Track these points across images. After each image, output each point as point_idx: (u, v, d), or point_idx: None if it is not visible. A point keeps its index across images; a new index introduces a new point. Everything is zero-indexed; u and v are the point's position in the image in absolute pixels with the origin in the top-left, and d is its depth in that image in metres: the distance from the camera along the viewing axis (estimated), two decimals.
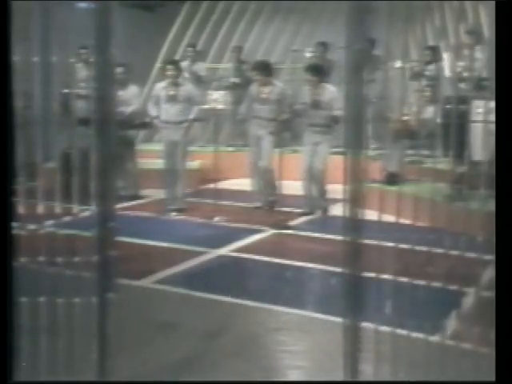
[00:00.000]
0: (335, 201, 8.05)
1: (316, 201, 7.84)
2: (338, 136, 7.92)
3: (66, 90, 10.40)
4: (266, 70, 7.96)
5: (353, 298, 3.04)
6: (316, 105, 7.65)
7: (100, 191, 2.81)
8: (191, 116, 7.88)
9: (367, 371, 3.23)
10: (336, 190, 8.10)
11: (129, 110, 8.51)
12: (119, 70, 8.61)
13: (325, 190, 7.80)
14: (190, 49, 10.61)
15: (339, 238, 6.56)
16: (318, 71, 7.83)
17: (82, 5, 11.51)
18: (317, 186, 7.78)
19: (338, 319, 4.41)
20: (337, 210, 7.82)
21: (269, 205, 7.96)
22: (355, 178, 2.92)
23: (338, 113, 7.52)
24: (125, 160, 8.71)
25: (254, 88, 8.08)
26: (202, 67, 10.50)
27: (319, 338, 4.23)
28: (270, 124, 7.90)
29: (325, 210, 7.79)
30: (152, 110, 7.96)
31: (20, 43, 2.76)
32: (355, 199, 2.96)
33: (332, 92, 7.71)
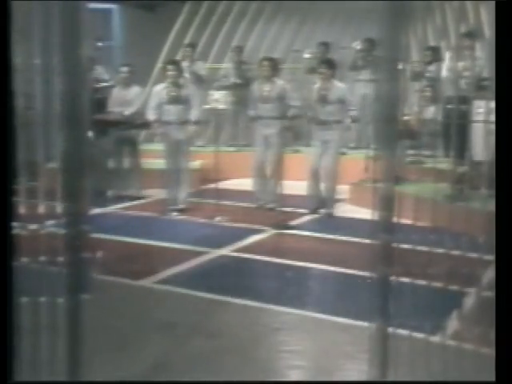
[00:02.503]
0: (337, 201, 8.10)
1: (322, 200, 7.85)
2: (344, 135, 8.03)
3: None
4: (273, 65, 7.96)
5: (380, 301, 2.95)
6: (324, 100, 7.64)
7: (71, 191, 2.76)
8: (193, 117, 7.87)
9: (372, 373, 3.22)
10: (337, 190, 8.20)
11: (130, 110, 8.51)
12: (124, 69, 8.63)
13: (334, 189, 7.82)
14: (188, 49, 10.60)
15: (344, 238, 6.55)
16: (332, 65, 7.85)
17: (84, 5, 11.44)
18: (326, 186, 7.78)
19: (339, 319, 4.46)
20: (339, 210, 7.93)
21: (272, 205, 7.92)
22: (387, 179, 2.84)
23: (355, 112, 7.81)
24: (127, 159, 8.73)
25: (255, 87, 8.07)
26: (201, 67, 10.50)
27: (319, 338, 4.24)
28: (275, 123, 7.87)
29: (331, 210, 7.80)
30: (151, 114, 7.88)
31: (21, 43, 2.75)
32: (386, 201, 2.86)
33: (341, 89, 7.74)
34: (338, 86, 7.75)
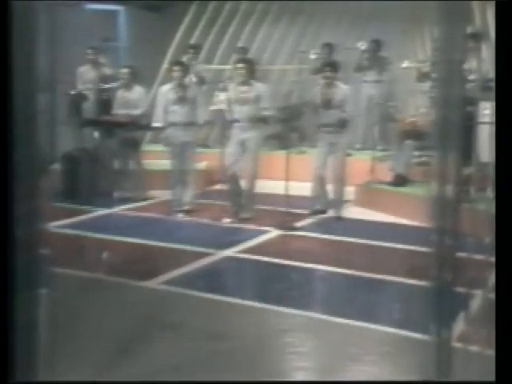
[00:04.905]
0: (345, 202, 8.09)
1: (327, 202, 7.81)
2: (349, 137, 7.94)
3: (73, 91, 10.45)
4: (249, 67, 7.64)
5: (440, 312, 2.82)
6: (328, 104, 7.56)
7: (28, 190, 2.73)
8: (200, 120, 7.86)
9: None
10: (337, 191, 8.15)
11: (137, 112, 8.53)
12: (124, 71, 8.65)
13: (343, 192, 7.79)
14: (191, 50, 10.59)
15: (351, 240, 6.51)
16: (337, 68, 7.76)
17: (90, 6, 11.50)
18: (335, 188, 7.73)
19: (346, 321, 4.46)
20: (345, 212, 7.91)
21: (247, 215, 7.63)
22: (444, 182, 2.73)
23: (346, 114, 7.55)
24: (130, 161, 8.73)
25: (232, 88, 7.73)
26: (203, 68, 10.51)
27: (326, 340, 4.24)
28: (252, 126, 7.54)
29: (339, 213, 7.75)
30: (158, 120, 7.88)
31: (25, 43, 2.74)
32: (444, 205, 2.72)
33: (345, 90, 7.66)
34: (342, 88, 7.67)
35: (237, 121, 7.56)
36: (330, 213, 7.82)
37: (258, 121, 7.56)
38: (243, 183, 7.68)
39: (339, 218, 7.73)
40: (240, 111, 7.52)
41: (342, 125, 7.58)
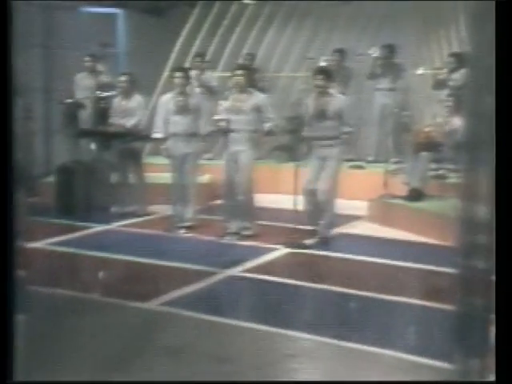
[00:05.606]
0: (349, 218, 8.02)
1: (317, 220, 7.43)
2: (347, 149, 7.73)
3: (69, 100, 10.47)
4: (248, 74, 7.56)
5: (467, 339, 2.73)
6: (321, 115, 7.21)
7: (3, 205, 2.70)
8: (202, 131, 7.81)
9: None
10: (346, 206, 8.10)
11: (132, 122, 8.50)
12: (122, 78, 8.62)
13: (331, 214, 7.37)
14: (197, 58, 10.52)
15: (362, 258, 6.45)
16: (328, 75, 7.37)
17: (88, 10, 11.49)
18: (322, 209, 7.31)
19: (356, 346, 4.40)
20: (358, 229, 7.86)
21: (247, 232, 7.55)
22: (471, 198, 2.66)
23: (351, 128, 7.32)
24: (130, 174, 8.71)
25: (230, 97, 7.58)
26: (212, 77, 10.44)
27: (335, 366, 4.18)
28: (246, 138, 7.37)
29: (326, 235, 7.36)
30: (158, 132, 7.83)
31: (22, 50, 2.71)
32: (472, 223, 2.64)
33: (341, 100, 7.34)
34: (337, 98, 7.31)
35: (231, 131, 7.40)
36: (340, 230, 7.71)
37: (256, 132, 7.41)
38: (239, 198, 7.50)
39: (324, 242, 7.25)
40: (234, 121, 7.36)
41: (349, 138, 7.40)
